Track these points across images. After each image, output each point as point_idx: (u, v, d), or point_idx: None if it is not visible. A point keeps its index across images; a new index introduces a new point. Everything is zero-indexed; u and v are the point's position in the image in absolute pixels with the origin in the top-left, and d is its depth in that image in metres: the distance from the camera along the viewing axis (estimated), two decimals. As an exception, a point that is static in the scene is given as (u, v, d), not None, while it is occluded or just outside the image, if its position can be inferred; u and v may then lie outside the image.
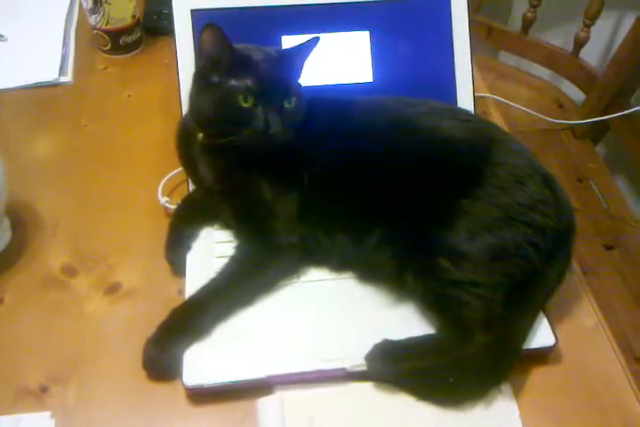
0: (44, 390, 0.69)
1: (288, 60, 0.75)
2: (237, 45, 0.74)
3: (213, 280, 0.73)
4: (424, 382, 0.68)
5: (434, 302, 0.71)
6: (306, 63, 0.77)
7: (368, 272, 0.77)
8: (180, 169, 0.86)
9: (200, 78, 0.75)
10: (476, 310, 0.69)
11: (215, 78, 0.72)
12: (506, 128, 0.97)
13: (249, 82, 0.70)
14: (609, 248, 1.38)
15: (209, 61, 0.73)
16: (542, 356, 0.72)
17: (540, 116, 1.25)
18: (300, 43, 0.75)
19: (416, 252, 0.72)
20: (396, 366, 0.68)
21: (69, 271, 0.80)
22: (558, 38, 1.73)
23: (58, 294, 0.78)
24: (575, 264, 0.79)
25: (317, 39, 0.75)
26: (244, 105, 0.70)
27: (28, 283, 0.79)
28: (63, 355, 0.72)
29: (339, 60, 0.89)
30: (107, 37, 1.13)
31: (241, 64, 0.72)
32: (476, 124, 0.80)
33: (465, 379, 0.67)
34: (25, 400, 0.68)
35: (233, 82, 0.71)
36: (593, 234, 1.40)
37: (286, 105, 0.72)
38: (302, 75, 0.77)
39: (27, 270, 0.80)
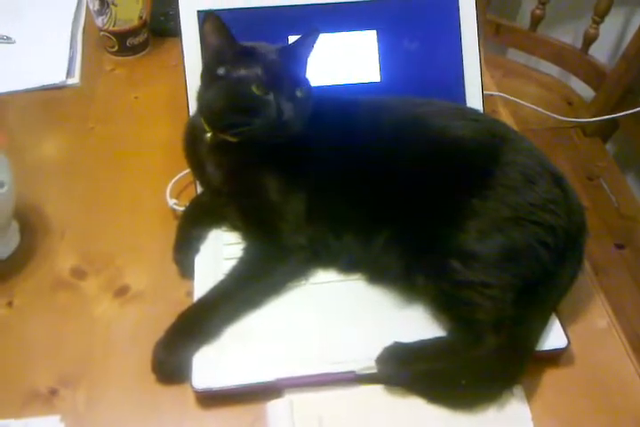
0: (53, 393, 0.68)
1: (293, 54, 0.75)
2: (243, 43, 0.74)
3: (222, 283, 0.73)
4: (435, 385, 0.67)
5: (444, 303, 0.71)
6: (313, 63, 0.77)
7: (377, 273, 0.76)
8: (188, 170, 0.86)
9: (208, 73, 0.75)
10: (487, 311, 0.68)
11: (222, 71, 0.72)
12: (515, 126, 0.96)
13: (259, 71, 0.70)
14: (620, 247, 1.37)
15: (215, 54, 0.73)
16: (554, 357, 0.71)
17: (549, 114, 1.24)
18: (301, 35, 0.75)
19: (425, 252, 0.71)
20: (406, 369, 0.67)
21: (78, 274, 0.80)
22: (567, 35, 1.72)
23: (67, 296, 0.78)
24: (586, 264, 0.78)
25: (317, 30, 0.75)
26: (257, 93, 0.70)
27: (37, 286, 0.79)
28: (72, 358, 0.72)
29: (346, 60, 0.89)
30: (114, 39, 1.13)
31: (247, 55, 0.72)
32: (486, 123, 0.80)
33: (477, 381, 0.67)
34: (34, 404, 0.68)
35: (242, 71, 0.71)
36: (603, 233, 1.39)
37: (298, 94, 0.72)
38: (309, 74, 0.77)
39: (36, 273, 0.80)
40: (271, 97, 0.70)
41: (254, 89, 0.70)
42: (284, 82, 0.71)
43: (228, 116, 0.72)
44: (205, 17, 0.70)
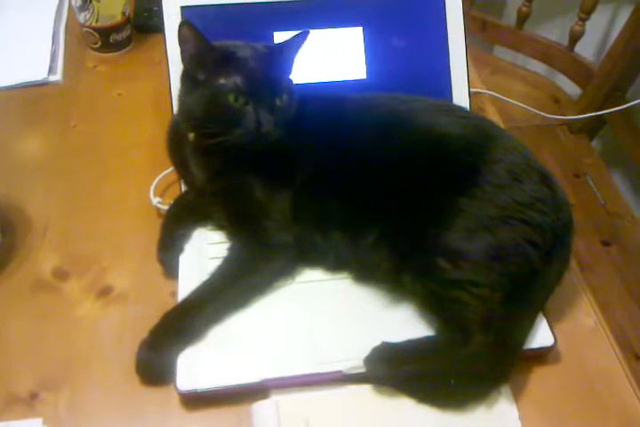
0: (34, 396, 0.67)
1: (278, 56, 0.74)
2: (226, 42, 0.73)
3: (207, 282, 0.72)
4: (424, 385, 0.67)
5: (432, 302, 0.70)
6: (298, 60, 0.76)
7: (364, 272, 0.75)
8: (173, 169, 0.85)
9: (187, 77, 0.74)
10: (475, 310, 0.68)
11: (201, 76, 0.71)
12: (502, 124, 0.96)
13: (238, 80, 0.69)
14: (606, 244, 1.38)
15: (193, 60, 0.72)
16: (541, 356, 0.71)
17: (535, 111, 1.24)
18: (290, 37, 0.74)
19: (414, 251, 0.71)
20: (395, 369, 0.66)
21: (60, 275, 0.79)
22: (553, 32, 1.72)
23: (49, 297, 0.76)
24: (572, 261, 0.78)
25: (307, 33, 0.74)
26: (235, 105, 0.69)
27: (19, 287, 0.77)
28: (54, 360, 0.70)
29: (332, 57, 0.88)
30: (96, 35, 1.11)
31: (227, 61, 0.71)
32: (472, 120, 0.80)
33: (465, 381, 0.66)
34: (15, 407, 0.66)
35: (221, 80, 0.70)
36: (590, 230, 1.40)
37: (278, 103, 0.71)
38: (294, 71, 0.76)
39: (17, 274, 0.79)
40: (250, 108, 0.69)
41: (232, 100, 0.69)
42: (263, 91, 0.70)
43: (207, 124, 0.71)
44: (179, 25, 0.69)
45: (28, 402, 0.67)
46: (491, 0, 1.87)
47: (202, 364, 0.67)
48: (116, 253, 0.81)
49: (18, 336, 0.73)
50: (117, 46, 1.14)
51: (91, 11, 1.07)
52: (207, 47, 0.70)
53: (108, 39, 1.12)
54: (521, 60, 1.78)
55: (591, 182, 1.51)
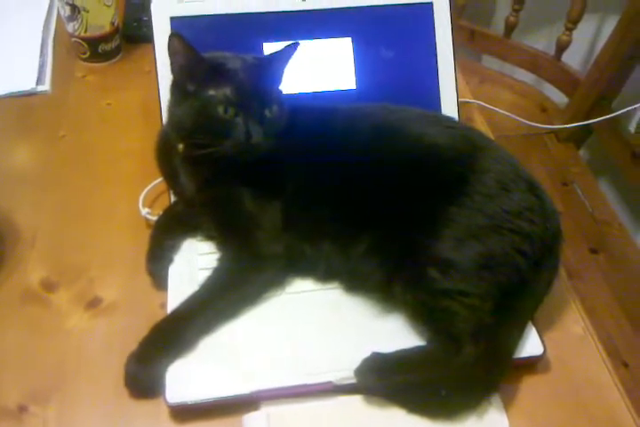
0: (23, 409, 0.66)
1: (267, 67, 0.74)
2: (215, 53, 0.73)
3: (196, 293, 0.72)
4: (415, 395, 0.67)
5: (423, 312, 0.70)
6: (288, 70, 0.76)
7: (355, 282, 0.75)
8: (162, 179, 0.85)
9: (177, 88, 0.74)
10: (465, 320, 0.68)
11: (191, 87, 0.71)
12: (490, 134, 0.97)
13: (227, 91, 0.69)
14: (594, 252, 1.39)
15: (182, 71, 0.72)
16: (531, 365, 0.71)
17: (523, 121, 1.25)
18: (280, 49, 0.74)
19: (404, 261, 0.71)
20: (386, 380, 0.66)
21: (49, 286, 0.78)
22: (540, 42, 1.74)
23: (37, 309, 0.76)
24: (561, 269, 0.78)
25: (297, 44, 0.74)
26: (224, 116, 0.69)
27: (6, 298, 0.77)
28: (43, 373, 0.70)
29: (321, 67, 0.88)
30: (85, 45, 1.11)
31: (216, 72, 0.71)
32: (461, 131, 0.80)
33: (456, 391, 0.66)
34: (3, 421, 0.66)
35: (211, 91, 0.70)
36: (578, 238, 1.41)
37: (267, 114, 0.71)
38: (284, 82, 0.76)
39: (5, 285, 0.78)
40: (240, 119, 0.70)
41: (222, 111, 0.69)
42: (253, 103, 0.70)
43: (196, 135, 0.71)
44: (169, 37, 0.69)
45: (17, 415, 0.66)
46: (479, 10, 1.88)
47: (191, 376, 0.67)
48: (105, 263, 0.81)
49: (6, 348, 0.72)
50: (106, 56, 1.13)
51: (79, 21, 1.07)
52: (197, 59, 0.71)
53: (96, 49, 1.11)
54: (508, 69, 1.80)
55: (579, 190, 1.52)
